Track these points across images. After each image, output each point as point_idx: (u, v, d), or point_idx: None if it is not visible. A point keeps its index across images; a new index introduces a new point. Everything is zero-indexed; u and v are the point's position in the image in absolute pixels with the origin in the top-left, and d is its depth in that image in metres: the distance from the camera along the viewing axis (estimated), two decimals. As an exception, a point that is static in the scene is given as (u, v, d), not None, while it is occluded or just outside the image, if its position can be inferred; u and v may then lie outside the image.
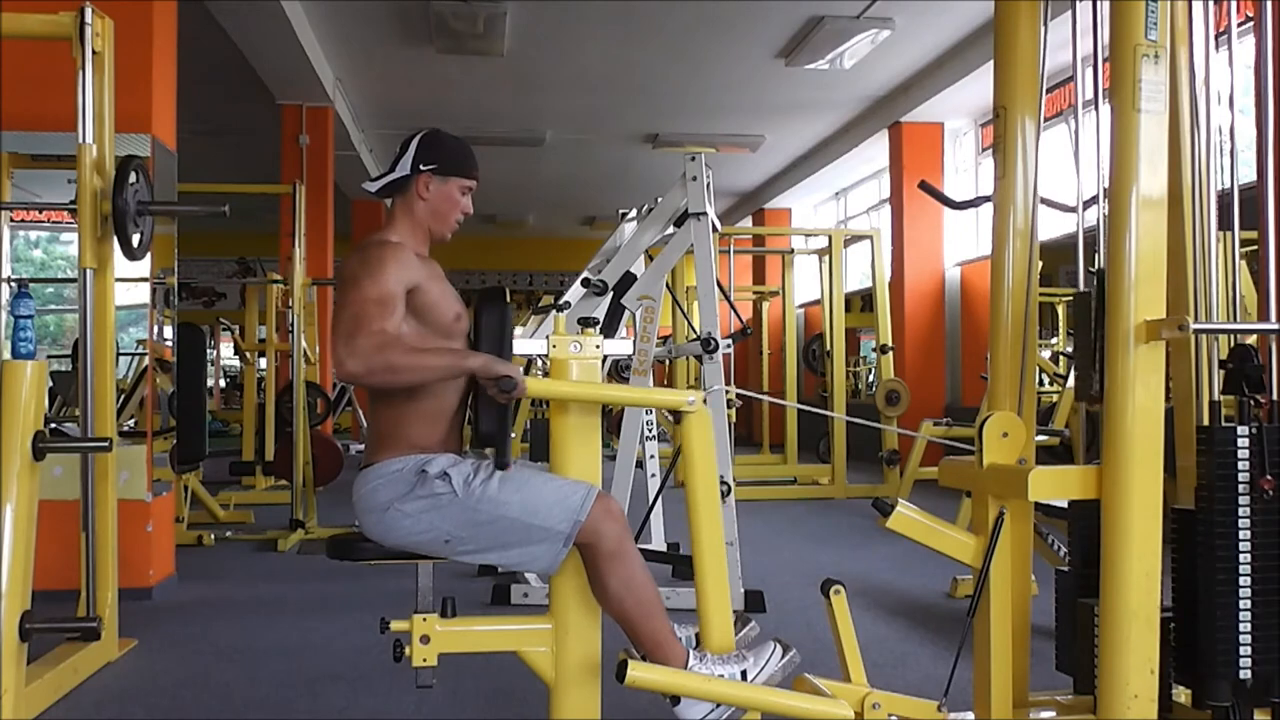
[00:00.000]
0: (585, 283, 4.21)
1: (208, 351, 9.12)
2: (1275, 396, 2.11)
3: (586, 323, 2.30)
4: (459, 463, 2.17)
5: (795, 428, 8.84)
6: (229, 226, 12.61)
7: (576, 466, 2.21)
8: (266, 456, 7.04)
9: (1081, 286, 2.55)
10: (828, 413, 4.31)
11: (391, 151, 2.35)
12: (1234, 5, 5.48)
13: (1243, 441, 2.03)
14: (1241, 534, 2.02)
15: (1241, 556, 2.02)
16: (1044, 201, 2.48)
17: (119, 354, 4.09)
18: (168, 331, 5.06)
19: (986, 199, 2.56)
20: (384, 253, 2.17)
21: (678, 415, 2.25)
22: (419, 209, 2.31)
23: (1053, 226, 2.84)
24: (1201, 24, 2.21)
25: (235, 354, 12.64)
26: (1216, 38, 2.35)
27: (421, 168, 2.29)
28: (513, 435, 2.27)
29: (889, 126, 9.80)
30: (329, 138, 9.08)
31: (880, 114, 9.88)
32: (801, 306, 12.34)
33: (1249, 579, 2.02)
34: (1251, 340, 2.21)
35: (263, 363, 7.92)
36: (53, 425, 3.49)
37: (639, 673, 2.03)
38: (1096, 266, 2.18)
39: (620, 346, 2.67)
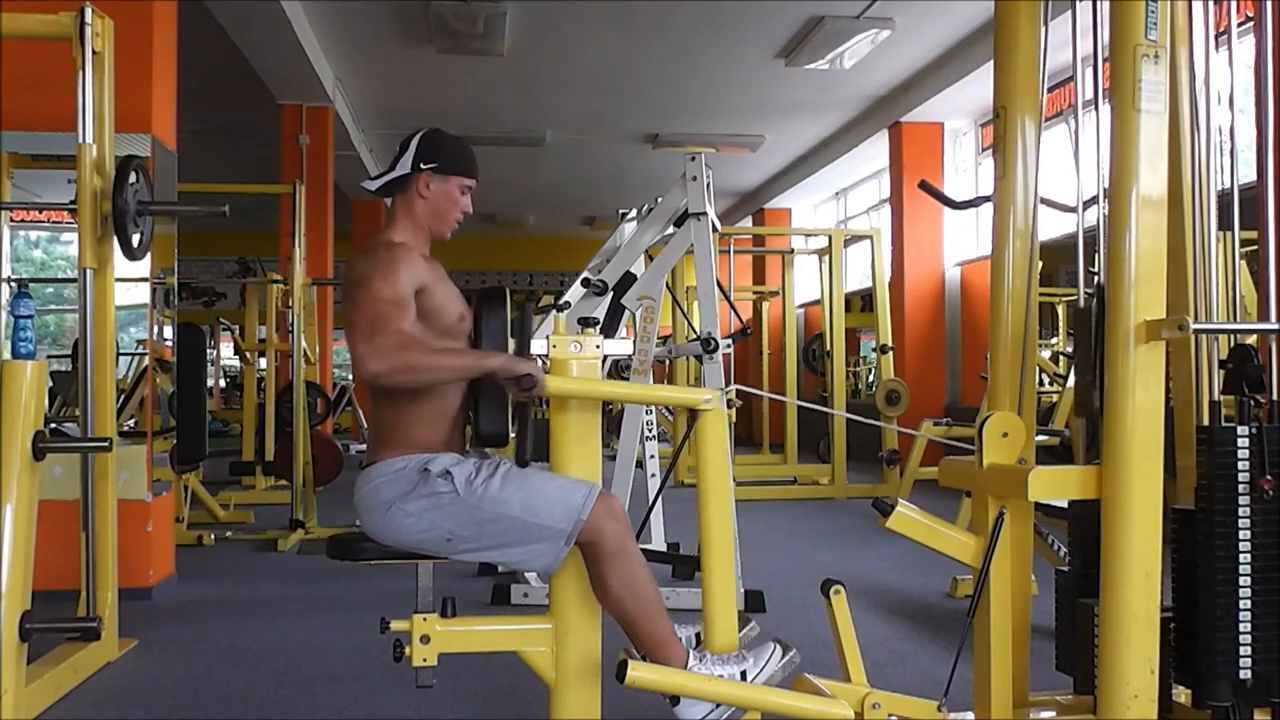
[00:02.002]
0: (585, 283, 4.21)
1: (208, 351, 9.12)
2: (1275, 396, 2.11)
3: (586, 323, 2.31)
4: (461, 462, 2.17)
5: (795, 428, 8.84)
6: (229, 226, 12.60)
7: (576, 466, 2.21)
8: (266, 456, 7.04)
9: (1082, 287, 2.55)
10: (828, 409, 4.31)
11: (392, 151, 2.35)
12: (1234, 5, 5.48)
13: (1243, 441, 2.03)
14: (1241, 534, 2.02)
15: (1241, 556, 2.02)
16: (1044, 201, 2.48)
17: (119, 354, 4.09)
18: (168, 331, 5.06)
19: (986, 199, 2.56)
20: (393, 254, 2.17)
21: (693, 413, 2.25)
22: (419, 208, 2.31)
23: (1053, 226, 2.84)
24: (1201, 24, 2.21)
25: (235, 354, 12.63)
26: (1216, 38, 2.35)
27: (422, 166, 2.29)
28: (512, 435, 2.27)
29: (889, 126, 9.80)
30: (329, 138, 9.08)
31: (880, 114, 9.88)
32: (801, 306, 12.34)
33: (1249, 579, 2.02)
34: (1251, 340, 2.21)
35: (263, 363, 7.92)
36: (53, 425, 3.49)
37: (639, 673, 2.03)
38: (1095, 282, 2.18)
39: (620, 346, 2.67)
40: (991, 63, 2.42)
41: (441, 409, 2.22)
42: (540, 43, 8.02)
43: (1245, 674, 2.02)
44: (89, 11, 3.23)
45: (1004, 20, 2.37)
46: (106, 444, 3.17)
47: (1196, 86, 2.21)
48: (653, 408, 4.92)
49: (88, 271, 3.31)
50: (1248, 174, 2.24)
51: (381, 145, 11.13)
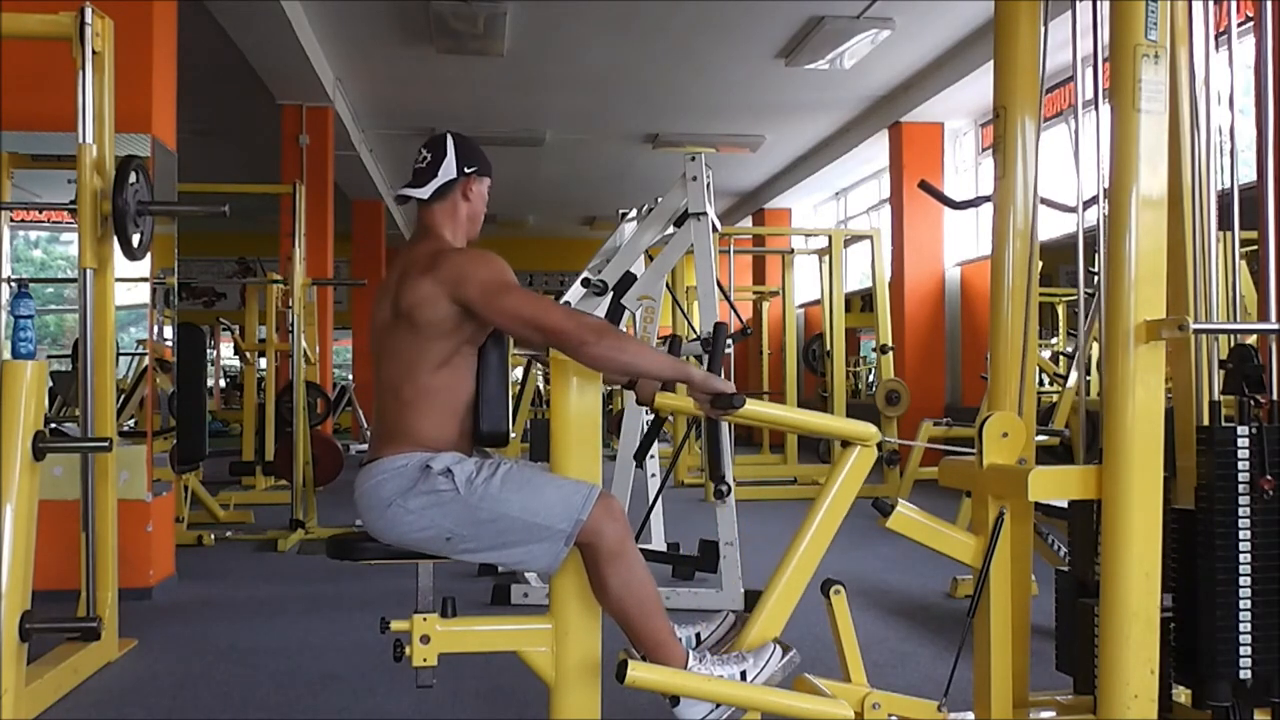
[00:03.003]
0: (585, 283, 4.21)
1: (208, 351, 9.12)
2: (1275, 396, 2.11)
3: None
4: (463, 460, 2.17)
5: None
6: (229, 226, 12.61)
7: (576, 466, 2.21)
8: (266, 456, 7.04)
9: (1082, 287, 2.56)
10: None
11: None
12: (1234, 5, 5.48)
13: (1243, 441, 2.03)
14: (1241, 534, 2.02)
15: (1241, 556, 2.02)
16: (1044, 201, 2.48)
17: (119, 354, 4.09)
18: (168, 331, 5.06)
19: (986, 199, 2.56)
20: (487, 254, 2.22)
21: (846, 443, 2.27)
22: (463, 211, 2.33)
23: (1053, 226, 2.84)
24: (1201, 24, 2.21)
25: (235, 354, 12.63)
26: (1216, 38, 2.35)
27: (467, 170, 2.30)
28: (513, 435, 2.28)
29: (889, 126, 9.80)
30: (329, 138, 9.08)
31: (880, 114, 9.88)
32: (801, 306, 12.34)
33: (1249, 579, 2.02)
34: (1251, 340, 2.21)
35: (263, 363, 7.92)
36: (53, 425, 3.49)
37: (639, 673, 2.03)
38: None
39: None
40: (991, 63, 2.42)
41: (447, 407, 2.22)
42: (540, 43, 8.02)
43: (1245, 674, 2.02)
44: (89, 11, 3.23)
45: (1004, 20, 2.37)
46: (106, 444, 3.17)
47: (1196, 86, 2.21)
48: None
49: (88, 271, 3.31)
50: (1248, 174, 2.24)
51: (381, 145, 11.13)
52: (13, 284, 4.02)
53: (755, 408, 2.18)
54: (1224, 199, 2.22)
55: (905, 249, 9.75)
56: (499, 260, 2.21)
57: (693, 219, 4.10)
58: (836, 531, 2.25)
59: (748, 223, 14.68)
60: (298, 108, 8.85)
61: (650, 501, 4.67)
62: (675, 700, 2.10)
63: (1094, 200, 2.33)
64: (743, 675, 2.15)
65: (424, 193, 2.30)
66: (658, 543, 4.76)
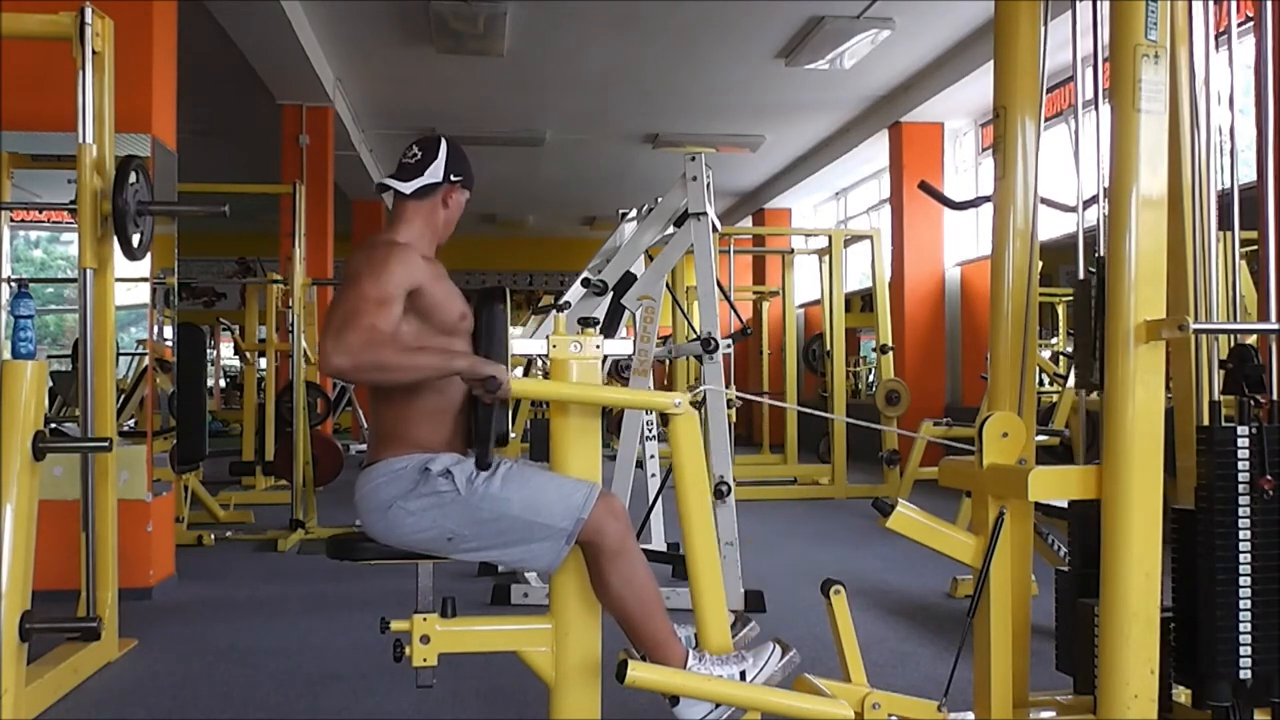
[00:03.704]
0: (585, 283, 4.21)
1: (208, 351, 9.12)
2: (1275, 396, 2.11)
3: (586, 323, 2.31)
4: (462, 461, 2.17)
5: (795, 428, 8.84)
6: (229, 226, 12.61)
7: (576, 466, 2.21)
8: (266, 456, 7.04)
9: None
10: (826, 414, 4.30)
11: (392, 151, 2.36)
12: (1234, 5, 5.48)
13: (1243, 441, 2.03)
14: (1241, 534, 2.02)
15: (1241, 556, 2.02)
16: (1044, 201, 2.48)
17: (119, 354, 4.09)
18: (168, 331, 5.06)
19: (986, 199, 2.56)
20: (390, 252, 2.17)
21: (665, 418, 2.25)
22: (439, 216, 2.33)
23: (1053, 226, 2.84)
24: (1201, 24, 2.21)
25: (235, 354, 12.64)
26: (1216, 38, 2.35)
27: (452, 178, 2.31)
28: (513, 435, 2.28)
29: (889, 126, 9.80)
30: (329, 138, 9.08)
31: (880, 114, 9.88)
32: (801, 306, 12.34)
33: (1249, 579, 2.02)
34: (1251, 340, 2.21)
35: (263, 363, 7.93)
36: (53, 425, 3.49)
37: (639, 673, 2.03)
38: (1095, 256, 2.18)
39: (620, 346, 2.67)
40: (991, 63, 2.42)
41: (443, 408, 2.22)
42: (540, 43, 8.02)
43: (1245, 674, 2.02)
44: (89, 11, 3.23)
45: (1004, 20, 2.37)
46: (106, 444, 3.17)
47: (1196, 86, 2.21)
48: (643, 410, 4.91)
49: (88, 271, 3.31)
50: (1248, 174, 2.24)
51: (381, 145, 11.13)
52: (13, 284, 4.02)
53: (530, 386, 2.15)
54: (1224, 199, 2.22)
55: (905, 249, 9.75)
56: (379, 255, 2.15)
57: (693, 219, 4.10)
58: (704, 503, 2.24)
59: (748, 223, 14.68)
60: (298, 108, 8.85)
61: (650, 501, 4.67)
62: (675, 700, 2.10)
63: (1094, 200, 2.33)
64: (742, 675, 2.15)
65: (407, 188, 2.31)
66: (658, 543, 4.76)
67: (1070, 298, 2.77)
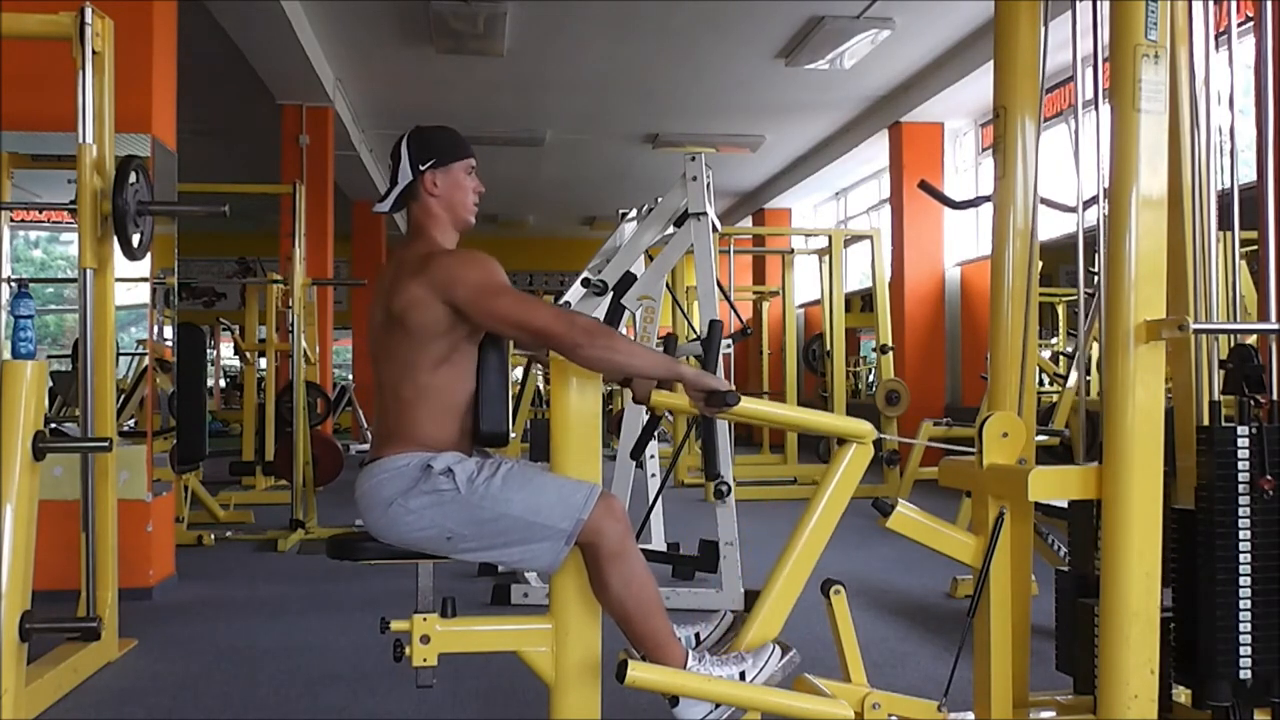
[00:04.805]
0: (585, 283, 4.21)
1: (208, 351, 9.12)
2: (1275, 396, 2.11)
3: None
4: (463, 460, 2.17)
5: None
6: (229, 226, 12.62)
7: (576, 466, 2.21)
8: (266, 456, 7.04)
9: (1082, 287, 2.55)
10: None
11: (390, 152, 2.35)
12: (1234, 5, 5.48)
13: (1243, 441, 2.03)
14: (1241, 534, 2.02)
15: (1241, 556, 2.02)
16: (1044, 201, 2.48)
17: (119, 354, 4.09)
18: (168, 331, 5.06)
19: (986, 199, 2.56)
20: (476, 254, 2.19)
21: (842, 441, 2.25)
22: (435, 206, 2.30)
23: (1053, 226, 2.84)
24: (1201, 24, 2.21)
25: (235, 354, 12.63)
26: (1216, 38, 2.35)
27: (421, 167, 2.28)
28: (513, 435, 2.28)
29: (889, 126, 9.80)
30: (329, 138, 9.07)
31: (880, 114, 9.88)
32: (801, 306, 12.34)
33: (1249, 579, 2.02)
34: (1251, 340, 2.21)
35: (263, 363, 7.92)
36: (53, 425, 3.49)
37: (639, 673, 2.03)
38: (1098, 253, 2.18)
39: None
40: (991, 63, 2.42)
41: (450, 406, 2.22)
42: (540, 43, 8.02)
43: (1245, 674, 2.02)
44: (89, 11, 3.23)
45: (1004, 20, 2.37)
46: (106, 444, 3.17)
47: (1196, 86, 2.21)
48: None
49: (88, 271, 3.31)
50: (1248, 174, 2.24)
51: (381, 145, 11.13)
52: (13, 284, 4.02)
53: (750, 405, 2.18)
54: (1224, 199, 2.22)
55: (905, 249, 9.75)
56: (489, 261, 2.18)
57: (693, 219, 4.10)
58: (834, 530, 2.25)
59: (748, 223, 14.68)
60: (298, 108, 8.85)
61: (650, 501, 4.67)
62: (674, 700, 2.10)
63: (1094, 200, 2.33)
64: (742, 675, 2.15)
65: (385, 206, 2.31)
66: (658, 543, 4.76)
67: (1070, 298, 2.76)
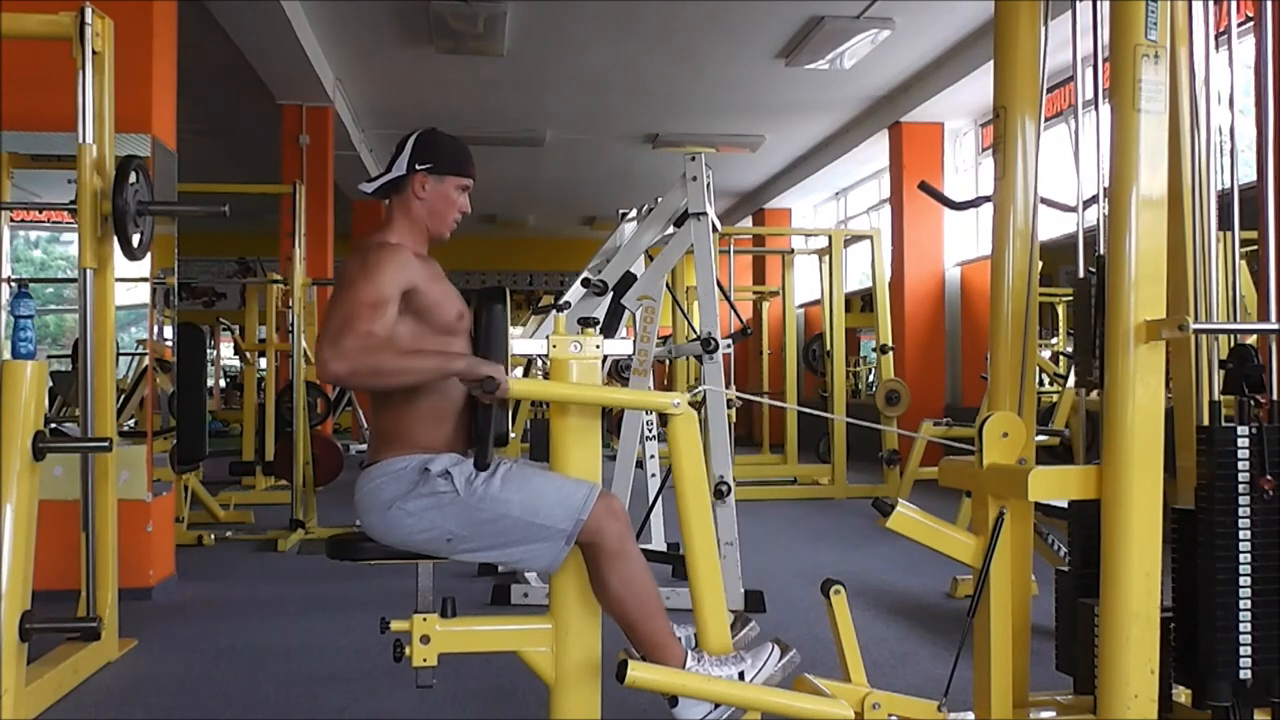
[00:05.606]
0: (585, 283, 4.21)
1: (208, 351, 9.12)
2: (1275, 396, 2.11)
3: (586, 323, 2.30)
4: (461, 461, 2.17)
5: (795, 428, 8.84)
6: (229, 226, 12.62)
7: (576, 466, 2.21)
8: (266, 456, 7.04)
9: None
10: (826, 414, 4.31)
11: (391, 152, 2.35)
12: (1234, 5, 5.48)
13: (1243, 441, 2.03)
14: (1241, 534, 2.02)
15: (1241, 556, 2.02)
16: (1044, 201, 2.48)
17: (119, 354, 4.09)
18: (168, 331, 5.06)
19: (986, 199, 2.56)
20: (382, 255, 2.16)
21: (664, 417, 2.25)
22: (416, 209, 2.30)
23: (1053, 226, 2.84)
24: (1201, 24, 2.21)
25: (235, 354, 12.64)
26: (1216, 38, 2.35)
27: (417, 167, 2.28)
28: (513, 435, 2.28)
29: (889, 126, 9.80)
30: (329, 138, 9.08)
31: (880, 114, 9.88)
32: (801, 306, 12.34)
33: (1249, 579, 2.02)
34: (1251, 340, 2.21)
35: (263, 363, 7.93)
36: (53, 425, 3.49)
37: (639, 673, 2.03)
38: (1095, 255, 2.18)
39: (620, 346, 2.67)
40: (991, 63, 2.42)
41: (444, 408, 2.22)
42: (540, 43, 8.02)
43: (1245, 674, 2.02)
44: (89, 11, 3.23)
45: (1004, 20, 2.37)
46: (106, 444, 3.17)
47: (1196, 86, 2.21)
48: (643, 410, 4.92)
49: (88, 271, 3.31)
50: (1248, 174, 2.24)
51: (381, 145, 11.13)
52: (13, 284, 4.03)
53: (529, 386, 2.15)
54: (1224, 199, 2.22)
55: (905, 249, 9.75)
56: (371, 260, 2.15)
57: (693, 219, 4.10)
58: (703, 503, 2.23)
59: (748, 223, 14.68)
60: (298, 108, 8.85)
61: (650, 501, 4.67)
62: (674, 700, 2.10)
63: (1094, 200, 2.33)
64: (741, 675, 2.15)
65: (369, 187, 2.33)
66: (658, 543, 4.76)
67: (1070, 298, 2.77)
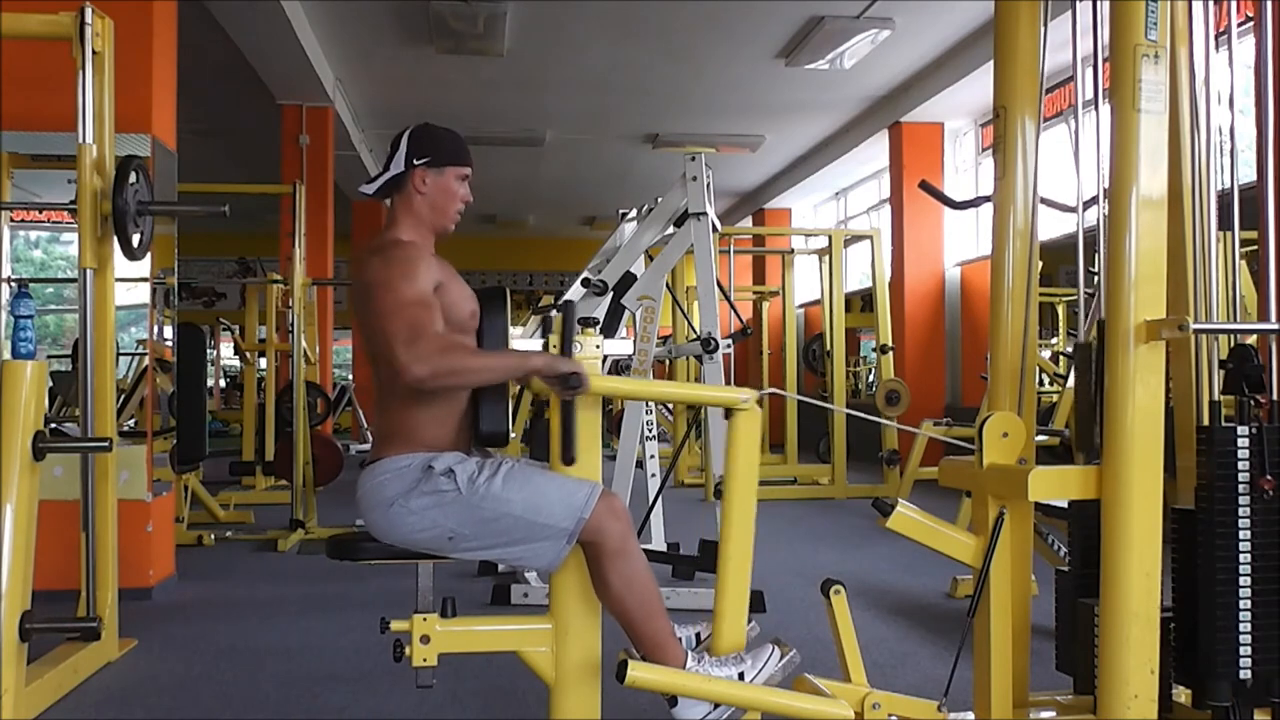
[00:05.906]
0: (585, 283, 4.21)
1: (208, 351, 9.12)
2: (1275, 396, 2.11)
3: (587, 323, 2.31)
4: (464, 460, 2.17)
5: (795, 428, 8.84)
6: (229, 226, 12.62)
7: (577, 466, 2.21)
8: (266, 456, 7.04)
9: (1082, 287, 2.55)
10: (829, 405, 4.31)
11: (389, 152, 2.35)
12: (1234, 5, 5.48)
13: (1243, 441, 2.03)
14: (1241, 534, 2.02)
15: (1241, 556, 2.02)
16: (1044, 201, 2.48)
17: (119, 354, 4.09)
18: (168, 331, 5.06)
19: (986, 199, 2.56)
20: (408, 253, 2.18)
21: (728, 412, 2.25)
22: (418, 203, 2.30)
23: (1053, 226, 2.84)
24: (1201, 24, 2.21)
25: (235, 354, 12.63)
26: (1216, 38, 2.35)
27: (415, 162, 2.28)
28: (513, 435, 2.28)
29: (889, 126, 9.80)
30: (329, 138, 9.07)
31: (880, 114, 9.88)
32: (801, 306, 12.34)
33: (1249, 579, 2.02)
34: (1251, 340, 2.21)
35: (263, 363, 7.93)
36: (53, 425, 3.49)
37: (639, 673, 2.03)
38: (1095, 316, 2.18)
39: (620, 346, 2.67)
40: (991, 63, 2.42)
41: (447, 408, 2.22)
42: (540, 43, 8.02)
43: (1245, 674, 2.02)
44: (89, 11, 3.23)
45: (1004, 20, 2.37)
46: (106, 444, 3.17)
47: (1196, 86, 2.21)
48: (652, 407, 4.92)
49: (88, 271, 3.31)
50: (1248, 174, 2.24)
51: (381, 145, 11.12)
52: (13, 284, 4.03)
53: (611, 383, 2.17)
54: (1224, 199, 2.22)
55: (905, 249, 9.75)
56: (399, 258, 2.17)
57: (693, 219, 4.10)
58: (757, 502, 2.24)
59: (748, 223, 14.68)
60: (298, 108, 8.85)
61: (650, 501, 4.67)
62: (674, 700, 2.11)
63: (1094, 200, 2.33)
64: (741, 676, 2.15)
65: (370, 189, 2.33)
66: (658, 543, 4.76)
67: (1070, 298, 2.76)
